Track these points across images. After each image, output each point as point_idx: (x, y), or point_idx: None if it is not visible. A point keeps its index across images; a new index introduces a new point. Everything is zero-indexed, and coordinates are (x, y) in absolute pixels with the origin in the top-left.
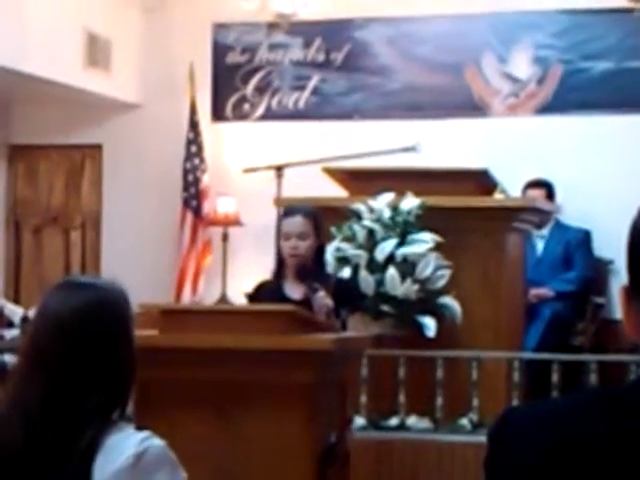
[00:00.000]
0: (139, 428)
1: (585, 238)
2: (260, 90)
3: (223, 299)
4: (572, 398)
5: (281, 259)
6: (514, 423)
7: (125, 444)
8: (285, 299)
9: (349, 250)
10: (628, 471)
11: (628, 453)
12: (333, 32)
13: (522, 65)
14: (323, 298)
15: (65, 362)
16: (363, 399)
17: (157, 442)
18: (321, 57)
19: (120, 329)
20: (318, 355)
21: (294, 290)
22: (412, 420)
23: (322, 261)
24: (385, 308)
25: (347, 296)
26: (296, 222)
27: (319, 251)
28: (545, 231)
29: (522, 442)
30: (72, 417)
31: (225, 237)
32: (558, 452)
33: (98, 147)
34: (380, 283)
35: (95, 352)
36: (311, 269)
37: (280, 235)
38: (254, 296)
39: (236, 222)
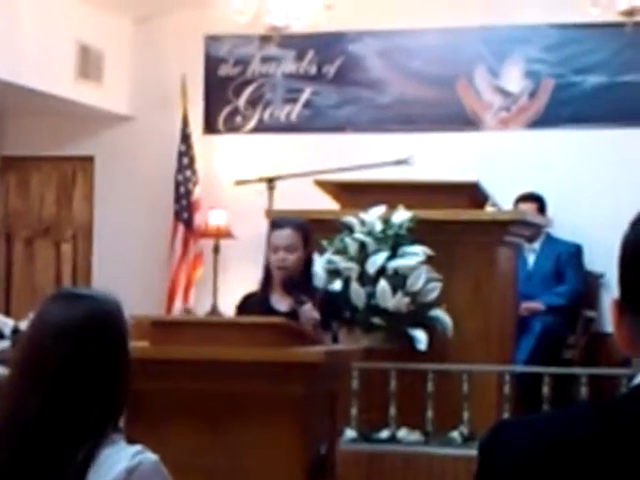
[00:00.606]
0: (129, 441)
1: (576, 252)
2: (252, 102)
3: (214, 311)
4: (563, 410)
5: (268, 271)
6: (505, 436)
7: (117, 458)
8: (271, 311)
9: (340, 263)
10: (620, 478)
11: (620, 460)
12: (326, 45)
13: (514, 79)
14: (310, 311)
15: (62, 374)
16: (354, 411)
17: (150, 456)
18: (313, 70)
19: (117, 340)
20: (308, 367)
21: (281, 302)
22: (403, 433)
23: (310, 273)
24: (376, 321)
25: (334, 309)
26: (285, 235)
27: (307, 263)
28: (536, 245)
29: (513, 454)
30: (69, 431)
31: (216, 249)
32: (549, 462)
33: (90, 159)
34: (371, 296)
35: (93, 363)
36: (298, 281)
37: (268, 247)
38: (241, 307)
39: (227, 234)
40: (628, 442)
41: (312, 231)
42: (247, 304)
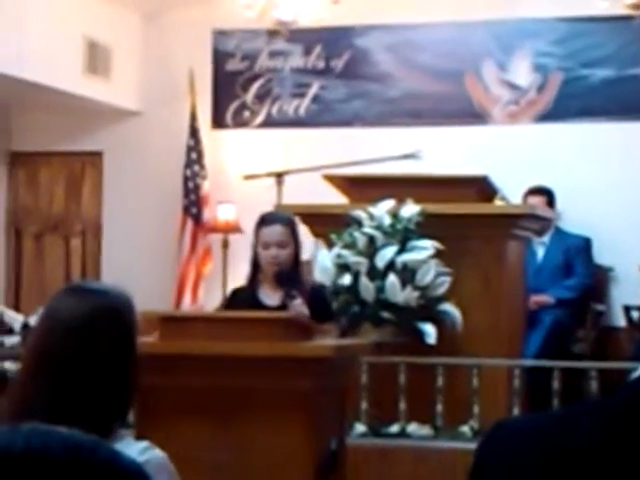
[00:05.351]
0: (138, 437)
1: (585, 245)
2: (260, 97)
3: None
4: (564, 410)
5: (256, 265)
6: (498, 438)
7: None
8: (260, 305)
9: (349, 257)
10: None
11: (622, 464)
12: (333, 39)
13: (522, 73)
14: (300, 305)
15: (72, 368)
16: (363, 406)
17: (157, 453)
18: (321, 64)
19: (127, 336)
20: (318, 362)
21: (270, 296)
22: (413, 427)
23: (299, 268)
24: (385, 315)
25: (320, 304)
26: (275, 231)
27: (296, 258)
28: (545, 238)
29: (503, 456)
30: (75, 426)
31: (225, 244)
32: (547, 464)
33: (98, 154)
34: (380, 290)
35: (102, 358)
36: (290, 276)
37: (257, 243)
38: (229, 302)
39: (236, 229)
40: (625, 445)
41: (298, 225)
42: (235, 299)
